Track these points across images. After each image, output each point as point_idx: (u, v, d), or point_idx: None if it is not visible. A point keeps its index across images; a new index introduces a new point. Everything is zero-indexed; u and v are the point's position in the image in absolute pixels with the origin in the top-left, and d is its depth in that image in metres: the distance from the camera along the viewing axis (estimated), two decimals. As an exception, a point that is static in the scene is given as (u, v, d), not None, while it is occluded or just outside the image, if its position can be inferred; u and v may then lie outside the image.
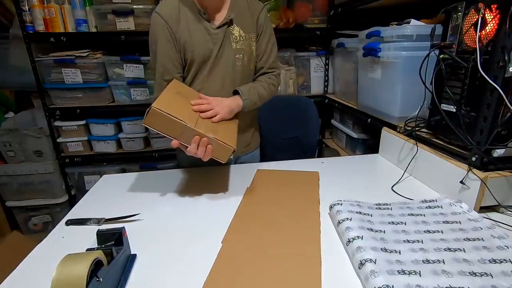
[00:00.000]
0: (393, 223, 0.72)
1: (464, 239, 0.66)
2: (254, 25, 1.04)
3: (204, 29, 0.98)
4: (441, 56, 0.89)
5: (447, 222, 0.72)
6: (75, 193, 2.05)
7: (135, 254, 0.67)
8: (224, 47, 1.00)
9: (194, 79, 1.03)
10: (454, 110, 0.86)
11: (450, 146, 0.89)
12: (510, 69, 0.70)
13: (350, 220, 0.70)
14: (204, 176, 1.06)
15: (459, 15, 0.84)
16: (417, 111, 1.03)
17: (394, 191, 0.93)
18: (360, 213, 0.75)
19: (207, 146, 0.83)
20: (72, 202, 2.02)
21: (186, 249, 0.69)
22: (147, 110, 0.79)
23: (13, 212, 1.99)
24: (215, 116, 0.92)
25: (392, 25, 1.19)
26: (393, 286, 0.52)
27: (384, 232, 0.68)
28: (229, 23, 0.99)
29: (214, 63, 1.00)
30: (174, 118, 0.80)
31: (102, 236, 0.63)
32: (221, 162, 0.86)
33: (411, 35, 1.09)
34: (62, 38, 1.67)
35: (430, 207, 0.80)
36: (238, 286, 0.58)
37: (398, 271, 0.56)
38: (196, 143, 0.82)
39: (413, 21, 1.11)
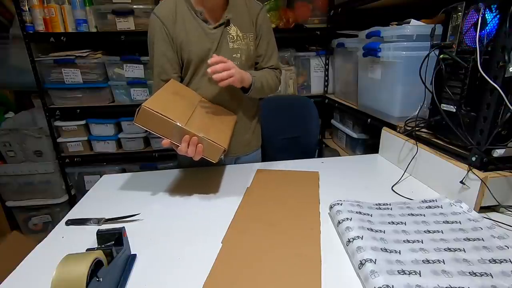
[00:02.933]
0: (393, 223, 0.72)
1: (464, 239, 0.66)
2: (253, 25, 1.04)
3: (200, 29, 0.98)
4: (441, 56, 0.89)
5: (447, 222, 0.72)
6: (75, 193, 2.05)
7: (135, 254, 0.67)
8: (221, 47, 1.00)
9: (191, 78, 1.04)
10: (454, 110, 0.86)
11: (450, 146, 0.89)
12: (510, 69, 0.70)
13: (350, 220, 0.70)
14: (204, 176, 1.06)
15: (459, 15, 0.84)
16: (417, 111, 1.03)
17: (394, 191, 0.93)
18: (360, 213, 0.75)
19: (197, 145, 0.83)
20: (72, 202, 2.02)
21: (186, 249, 0.69)
22: (138, 108, 0.79)
23: (13, 212, 1.99)
24: (228, 78, 0.88)
25: (392, 25, 1.19)
26: (393, 286, 0.52)
27: (384, 232, 0.68)
28: (226, 23, 0.99)
29: None
30: (164, 117, 0.80)
31: (102, 236, 0.63)
32: (212, 162, 0.86)
33: (411, 35, 1.09)
34: (62, 38, 1.67)
35: (430, 207, 0.80)
36: (238, 286, 0.58)
37: (398, 271, 0.56)
38: (186, 142, 0.82)
39: (413, 21, 1.11)
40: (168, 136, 0.82)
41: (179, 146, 0.83)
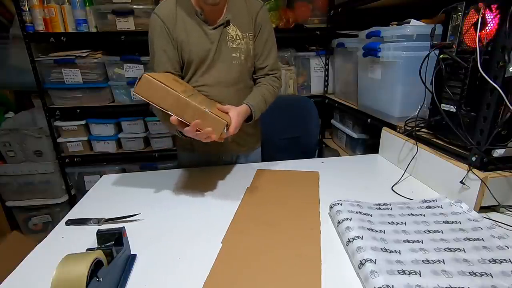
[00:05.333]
0: (393, 223, 0.72)
1: (464, 239, 0.66)
2: (252, 24, 1.04)
3: (200, 30, 0.98)
4: (441, 56, 0.90)
5: (447, 222, 0.72)
6: (75, 193, 2.05)
7: (135, 254, 0.67)
8: (221, 47, 1.00)
9: (191, 78, 1.04)
10: (454, 110, 0.86)
11: (450, 146, 0.89)
12: (510, 69, 0.70)
13: (350, 220, 0.70)
14: (204, 176, 1.06)
15: (459, 15, 0.84)
16: (417, 111, 1.03)
17: (394, 191, 0.93)
18: (360, 213, 0.75)
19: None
20: (72, 202, 2.02)
21: (186, 249, 0.69)
22: (139, 77, 0.77)
23: (13, 212, 1.98)
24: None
25: (392, 25, 1.19)
26: (393, 286, 0.52)
27: (384, 232, 0.68)
28: (225, 24, 0.99)
29: (211, 63, 1.01)
30: (167, 87, 0.78)
31: (102, 236, 0.63)
32: (215, 138, 0.82)
33: (411, 35, 1.09)
34: (62, 38, 1.67)
35: (430, 207, 0.80)
36: (238, 286, 0.58)
37: (398, 271, 0.56)
38: (194, 127, 0.78)
39: (413, 21, 1.11)
40: (168, 108, 0.79)
41: (187, 126, 0.79)
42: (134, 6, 1.66)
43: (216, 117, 0.81)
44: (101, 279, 0.51)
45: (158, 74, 0.88)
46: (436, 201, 0.82)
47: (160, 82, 0.77)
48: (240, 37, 1.02)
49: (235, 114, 0.90)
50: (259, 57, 1.08)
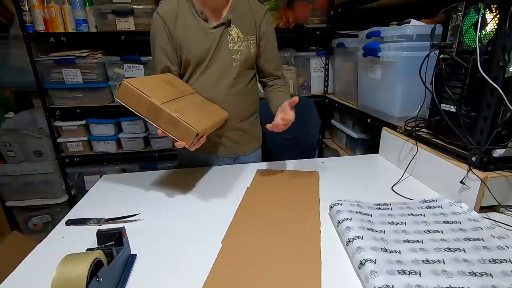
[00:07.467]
0: (393, 223, 0.72)
1: (464, 239, 0.66)
2: (254, 28, 1.04)
3: (201, 29, 0.98)
4: (441, 56, 0.90)
5: (447, 222, 0.72)
6: (75, 193, 2.05)
7: (135, 254, 0.67)
8: (221, 47, 1.00)
9: (190, 77, 1.05)
10: (454, 110, 0.86)
11: (450, 146, 0.89)
12: (510, 69, 0.70)
13: (350, 220, 0.70)
14: (204, 176, 1.06)
15: (459, 15, 0.84)
16: (417, 111, 1.03)
17: (394, 191, 0.93)
18: (360, 213, 0.75)
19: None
20: (72, 202, 2.02)
21: (186, 249, 0.69)
22: (119, 83, 0.80)
23: (13, 212, 1.99)
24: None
25: (392, 25, 1.19)
26: (393, 286, 0.52)
27: (384, 232, 0.68)
28: (227, 24, 0.99)
29: (210, 62, 1.01)
30: (141, 93, 0.80)
31: (102, 236, 0.63)
32: (186, 145, 0.83)
33: (411, 35, 1.09)
34: (62, 38, 1.67)
35: (430, 207, 0.80)
36: (238, 286, 0.58)
37: (398, 271, 0.56)
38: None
39: (413, 21, 1.11)
40: (144, 114, 0.82)
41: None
42: (134, 6, 1.67)
43: (187, 125, 0.81)
44: (101, 279, 0.51)
45: (148, 77, 0.90)
46: (436, 201, 0.82)
47: (136, 88, 0.80)
48: (242, 39, 1.02)
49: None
50: (271, 63, 1.11)
